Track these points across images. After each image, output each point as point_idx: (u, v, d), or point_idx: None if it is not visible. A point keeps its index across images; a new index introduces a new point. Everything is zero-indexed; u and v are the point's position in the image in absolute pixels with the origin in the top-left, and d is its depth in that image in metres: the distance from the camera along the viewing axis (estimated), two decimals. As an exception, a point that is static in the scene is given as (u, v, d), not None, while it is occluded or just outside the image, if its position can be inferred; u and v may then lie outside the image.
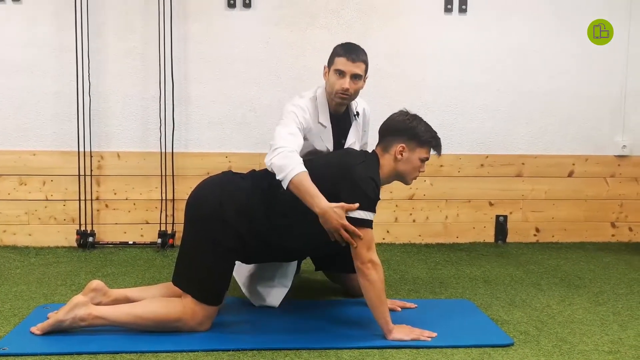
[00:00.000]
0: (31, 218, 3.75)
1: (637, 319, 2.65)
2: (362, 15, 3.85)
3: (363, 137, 2.91)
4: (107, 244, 3.77)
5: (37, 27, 3.67)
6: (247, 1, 3.76)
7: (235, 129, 3.85)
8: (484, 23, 3.95)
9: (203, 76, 3.80)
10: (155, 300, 2.38)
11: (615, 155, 4.13)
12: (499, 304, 2.82)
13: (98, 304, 2.35)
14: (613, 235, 4.18)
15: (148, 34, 3.73)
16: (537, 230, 4.12)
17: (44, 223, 3.76)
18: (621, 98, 4.10)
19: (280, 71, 3.84)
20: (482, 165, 4.04)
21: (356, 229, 2.26)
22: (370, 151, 2.55)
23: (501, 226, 4.07)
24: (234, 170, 3.68)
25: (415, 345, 2.28)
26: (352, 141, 2.79)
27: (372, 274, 2.28)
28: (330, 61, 2.66)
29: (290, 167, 2.30)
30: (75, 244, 3.73)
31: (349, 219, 2.28)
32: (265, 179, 2.44)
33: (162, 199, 3.80)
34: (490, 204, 4.07)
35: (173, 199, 3.80)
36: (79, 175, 3.73)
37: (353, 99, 2.72)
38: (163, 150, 3.77)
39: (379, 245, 3.74)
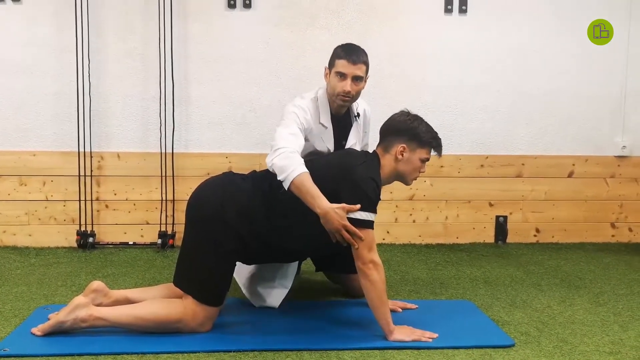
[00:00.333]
0: (31, 218, 3.75)
1: (637, 320, 2.66)
2: (362, 15, 3.85)
3: (364, 138, 2.91)
4: (107, 244, 3.77)
5: (37, 27, 3.67)
6: (247, 1, 3.76)
7: (236, 129, 3.84)
8: (484, 23, 3.95)
9: (203, 76, 3.80)
10: (156, 301, 2.38)
11: (615, 156, 4.14)
12: (500, 305, 2.82)
13: (99, 305, 2.35)
14: (613, 236, 4.18)
15: (148, 35, 3.73)
16: (537, 230, 4.12)
17: (44, 223, 3.76)
18: (621, 98, 4.10)
19: (280, 71, 3.84)
20: (482, 165, 4.04)
21: (357, 230, 2.26)
22: (370, 152, 2.55)
23: (501, 227, 4.07)
24: (234, 171, 3.70)
25: (416, 346, 2.28)
26: (353, 142, 2.79)
27: (373, 275, 2.28)
28: (331, 63, 2.66)
29: (291, 168, 2.30)
30: (75, 245, 3.73)
31: (350, 219, 2.28)
32: (266, 179, 2.44)
33: (162, 200, 3.80)
34: (490, 205, 4.07)
35: (173, 200, 3.80)
36: (79, 175, 3.73)
37: (354, 100, 2.72)
38: (163, 151, 3.77)
39: (379, 245, 3.72)
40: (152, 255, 3.61)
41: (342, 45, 2.69)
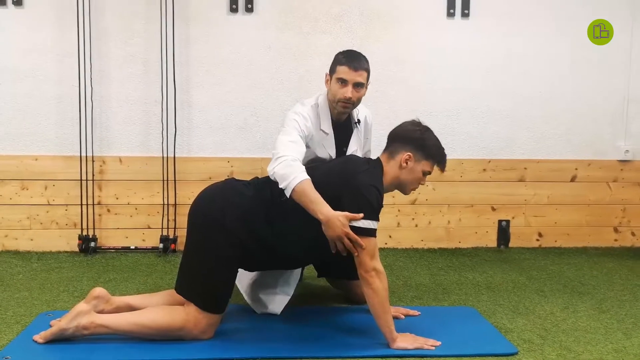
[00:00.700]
0: (33, 223, 3.75)
1: (641, 327, 2.65)
2: (365, 20, 3.84)
3: (365, 144, 2.90)
4: (109, 248, 3.77)
5: (39, 31, 3.66)
6: (249, 6, 3.76)
7: (237, 133, 3.84)
8: (486, 28, 3.94)
9: (205, 81, 3.80)
10: (158, 309, 2.37)
11: (618, 160, 4.13)
12: (503, 311, 2.81)
13: (101, 311, 2.35)
14: (616, 240, 4.17)
15: (150, 39, 3.72)
16: (540, 235, 4.11)
17: (46, 228, 3.76)
18: (624, 103, 4.09)
19: (282, 76, 3.83)
20: (484, 170, 4.03)
21: (358, 238, 2.26)
22: (373, 158, 2.55)
23: (504, 231, 4.06)
24: (236, 175, 3.70)
25: (419, 354, 2.27)
26: (354, 149, 2.78)
27: (375, 283, 2.28)
28: (332, 69, 2.66)
29: (292, 176, 2.30)
30: (77, 249, 3.73)
31: (352, 227, 2.27)
32: (267, 186, 2.43)
33: (164, 204, 3.79)
34: (493, 209, 4.06)
35: (175, 204, 3.79)
36: (81, 180, 3.72)
37: (355, 107, 2.72)
38: (165, 155, 3.77)
39: (381, 250, 3.73)
40: (154, 260, 3.60)
41: (344, 51, 2.68)
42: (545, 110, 4.04)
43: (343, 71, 2.60)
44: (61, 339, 2.28)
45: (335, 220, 2.25)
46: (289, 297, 2.67)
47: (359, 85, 2.62)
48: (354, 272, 2.34)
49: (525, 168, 4.06)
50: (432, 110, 3.92)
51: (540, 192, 4.09)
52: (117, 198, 3.79)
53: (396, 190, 2.54)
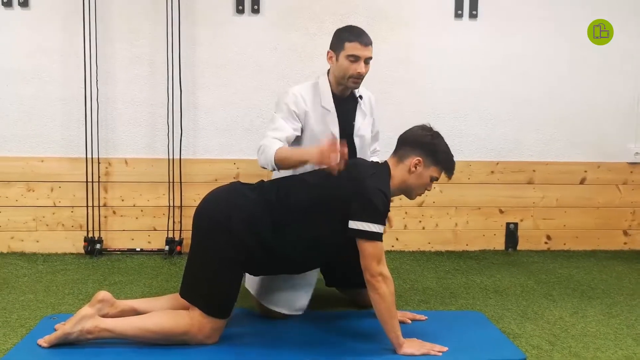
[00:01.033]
0: (39, 224, 3.74)
1: (651, 333, 2.61)
2: (371, 21, 3.81)
3: (374, 125, 2.88)
4: (115, 250, 3.76)
5: (45, 33, 3.66)
6: (256, 7, 3.74)
7: (244, 135, 3.82)
8: (495, 29, 3.90)
9: (211, 82, 3.78)
10: (163, 313, 2.35)
11: (627, 162, 4.08)
12: (511, 316, 2.78)
13: (105, 315, 2.33)
14: (625, 243, 4.13)
15: (156, 40, 3.71)
16: (549, 238, 4.07)
17: (52, 229, 3.75)
18: (634, 104, 4.04)
19: (288, 77, 3.81)
20: (492, 172, 3.99)
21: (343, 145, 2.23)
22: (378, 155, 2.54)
23: (512, 234, 4.03)
24: (242, 177, 3.69)
25: (426, 360, 2.25)
26: (360, 123, 2.76)
27: (382, 288, 2.25)
28: (338, 46, 2.65)
29: (269, 155, 2.42)
30: (82, 251, 3.72)
31: (358, 231, 2.25)
32: (273, 190, 2.41)
33: (169, 206, 3.78)
34: (501, 212, 4.03)
35: (181, 206, 3.78)
36: (87, 181, 3.71)
37: (362, 81, 2.73)
38: (171, 157, 3.75)
39: (388, 252, 3.70)
40: (160, 262, 3.59)
41: (347, 28, 2.69)
42: (554, 111, 4.00)
43: (354, 47, 2.60)
44: (65, 343, 2.27)
45: (318, 147, 2.25)
46: (312, 290, 2.67)
47: (369, 60, 2.65)
48: (362, 280, 2.31)
49: (533, 170, 4.02)
50: (440, 112, 3.89)
51: (548, 194, 4.05)
52: (122, 200, 3.78)
53: (402, 194, 2.53)
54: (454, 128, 3.90)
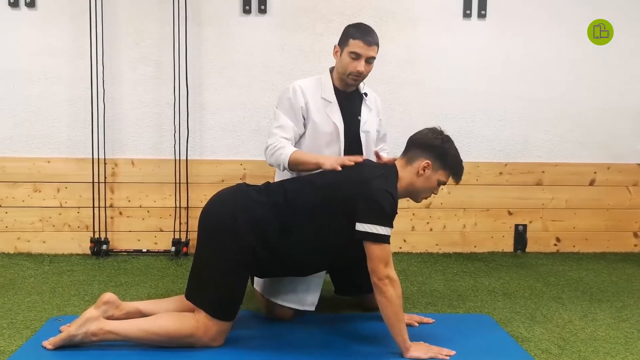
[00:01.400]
0: (45, 225, 3.74)
1: (662, 337, 2.57)
2: (379, 20, 3.78)
3: (380, 125, 2.86)
4: (121, 251, 3.75)
5: (52, 33, 3.65)
6: (263, 7, 3.72)
7: (250, 136, 3.80)
8: (503, 29, 3.87)
9: (218, 83, 3.77)
10: (168, 315, 2.34)
11: (637, 164, 4.03)
12: (519, 319, 2.75)
13: (110, 317, 2.32)
14: (635, 246, 4.08)
15: (162, 41, 3.70)
16: (558, 239, 4.03)
17: (58, 230, 3.75)
18: (644, 105, 4.01)
19: (295, 77, 3.76)
20: (500, 173, 3.96)
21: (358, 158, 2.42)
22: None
23: (520, 235, 3.99)
24: (248, 178, 3.67)
25: (433, 364, 2.22)
26: (366, 118, 2.75)
27: (389, 291, 2.23)
28: (344, 42, 2.65)
29: (282, 156, 2.50)
30: (89, 252, 3.71)
31: (366, 234, 2.22)
32: (279, 192, 2.39)
33: (176, 207, 3.77)
34: (509, 213, 3.99)
35: (187, 207, 3.77)
36: (93, 182, 3.71)
37: (363, 80, 2.72)
38: (177, 158, 3.74)
39: (395, 254, 3.68)
40: (166, 263, 3.58)
41: (355, 24, 2.69)
42: (563, 112, 3.96)
43: (357, 45, 2.59)
44: (70, 345, 2.26)
45: (329, 157, 2.48)
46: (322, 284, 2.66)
47: (371, 60, 2.63)
48: (370, 286, 2.29)
49: (542, 171, 3.98)
50: (448, 113, 3.87)
51: (558, 196, 4.01)
52: (129, 201, 3.77)
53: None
54: (462, 129, 3.87)
